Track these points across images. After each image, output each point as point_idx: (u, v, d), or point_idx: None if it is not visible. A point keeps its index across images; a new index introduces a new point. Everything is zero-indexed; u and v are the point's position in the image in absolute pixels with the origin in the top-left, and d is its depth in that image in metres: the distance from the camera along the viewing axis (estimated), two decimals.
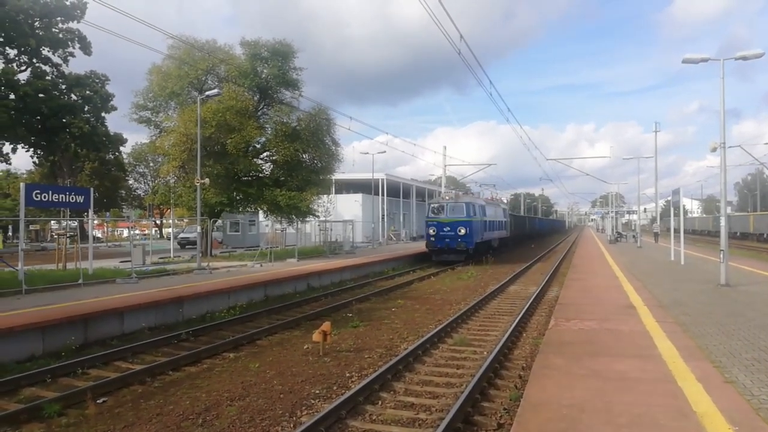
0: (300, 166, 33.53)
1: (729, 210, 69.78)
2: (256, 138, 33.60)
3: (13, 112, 18.65)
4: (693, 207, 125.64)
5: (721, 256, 16.86)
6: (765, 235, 52.96)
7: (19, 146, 19.69)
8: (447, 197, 33.77)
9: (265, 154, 35.58)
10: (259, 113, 34.70)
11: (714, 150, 18.51)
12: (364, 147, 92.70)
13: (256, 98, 33.70)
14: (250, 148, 33.77)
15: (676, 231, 26.95)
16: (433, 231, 30.84)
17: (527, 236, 60.27)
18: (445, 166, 47.40)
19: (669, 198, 31.00)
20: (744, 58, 16.72)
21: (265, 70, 33.10)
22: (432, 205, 32.83)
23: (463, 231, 30.03)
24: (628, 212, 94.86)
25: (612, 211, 61.83)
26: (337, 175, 43.61)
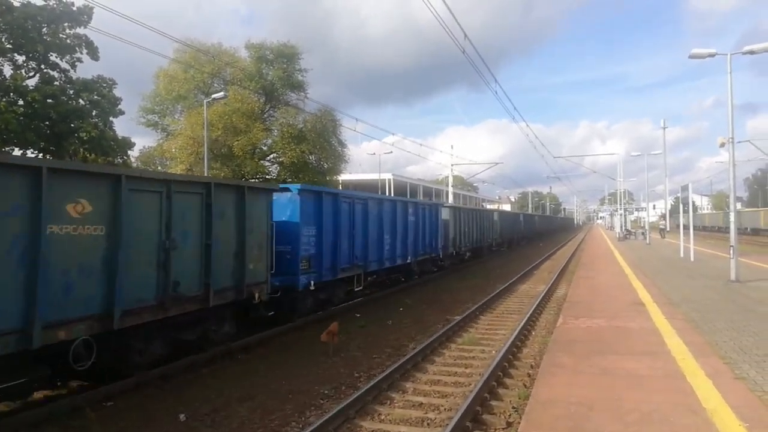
0: (306, 168, 33.63)
1: (739, 206, 69.30)
2: (263, 140, 33.77)
3: (21, 117, 18.77)
4: (703, 203, 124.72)
5: (731, 252, 16.76)
6: None
7: (28, 151, 19.84)
8: None
9: (271, 156, 35.74)
10: (265, 115, 34.84)
11: (722, 145, 18.41)
12: (373, 148, 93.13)
13: (262, 100, 33.85)
14: (257, 151, 33.92)
15: (686, 227, 26.80)
16: None
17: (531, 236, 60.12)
18: (452, 165, 47.39)
19: (679, 194, 30.81)
20: (752, 53, 16.60)
21: (270, 72, 33.25)
22: None
23: None
24: (637, 209, 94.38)
25: (620, 209, 61.45)
26: (344, 176, 43.68)
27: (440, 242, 22.54)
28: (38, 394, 7.64)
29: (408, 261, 18.85)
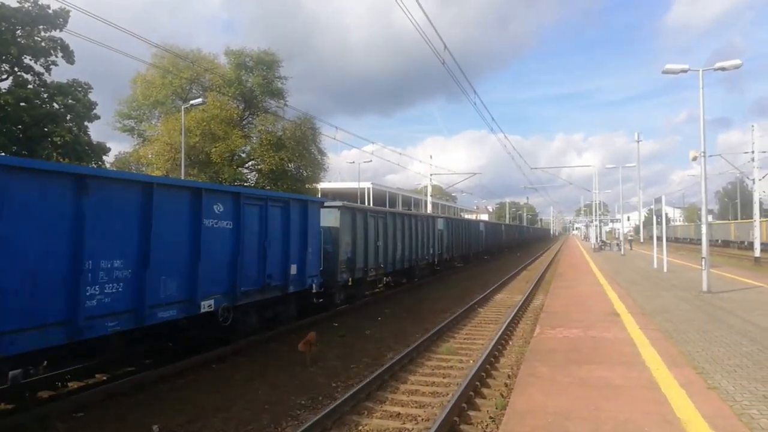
0: (285, 176, 33.45)
1: (710, 218, 70.81)
2: (241, 147, 33.52)
3: None
4: (675, 215, 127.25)
5: (703, 263, 17.09)
6: (746, 243, 53.76)
7: None
8: None
9: (250, 163, 35.50)
10: (244, 122, 34.62)
11: (694, 159, 18.83)
12: (353, 156, 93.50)
13: (241, 107, 33.65)
14: (235, 157, 33.66)
15: (659, 239, 27.26)
16: None
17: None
18: (431, 175, 47.63)
19: (653, 206, 31.37)
20: (722, 69, 17.05)
21: (250, 79, 33.10)
22: None
23: None
24: (612, 221, 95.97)
25: (596, 220, 62.40)
26: (323, 184, 43.56)
27: (314, 267, 13.61)
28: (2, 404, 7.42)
29: (212, 308, 9.77)
